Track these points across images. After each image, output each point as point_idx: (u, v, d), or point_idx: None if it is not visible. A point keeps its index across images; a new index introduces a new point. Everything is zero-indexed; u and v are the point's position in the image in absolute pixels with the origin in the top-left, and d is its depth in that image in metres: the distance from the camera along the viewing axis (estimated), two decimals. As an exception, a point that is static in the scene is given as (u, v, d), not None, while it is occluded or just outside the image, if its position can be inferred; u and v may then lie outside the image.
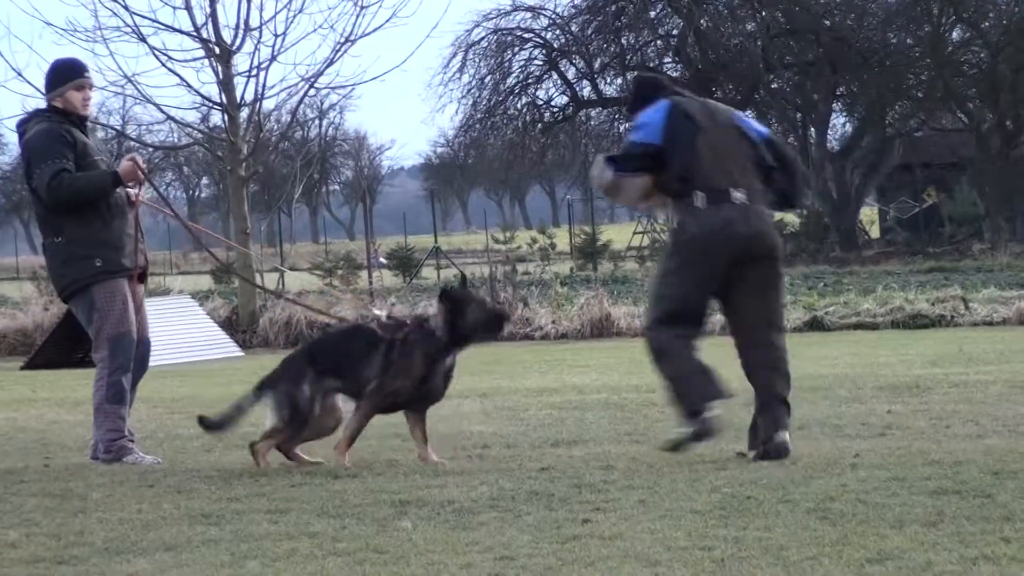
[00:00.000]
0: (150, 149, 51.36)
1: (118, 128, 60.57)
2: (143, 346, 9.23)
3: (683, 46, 47.58)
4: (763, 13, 47.43)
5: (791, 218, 48.73)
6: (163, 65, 24.74)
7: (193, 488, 7.74)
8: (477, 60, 48.63)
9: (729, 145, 8.33)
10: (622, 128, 45.42)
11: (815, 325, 22.24)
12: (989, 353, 15.70)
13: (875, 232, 51.92)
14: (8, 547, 6.36)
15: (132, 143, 49.17)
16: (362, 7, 25.25)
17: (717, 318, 8.60)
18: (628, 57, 48.28)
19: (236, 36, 24.71)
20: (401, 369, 8.34)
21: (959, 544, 5.71)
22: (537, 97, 49.50)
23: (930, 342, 18.36)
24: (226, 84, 24.62)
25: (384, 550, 6.00)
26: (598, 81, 48.96)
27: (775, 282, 8.42)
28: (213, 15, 24.54)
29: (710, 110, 8.50)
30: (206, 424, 8.76)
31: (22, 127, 9.29)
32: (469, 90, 48.63)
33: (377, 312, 9.25)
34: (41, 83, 9.48)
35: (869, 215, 53.13)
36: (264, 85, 24.93)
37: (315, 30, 25.82)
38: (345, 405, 8.55)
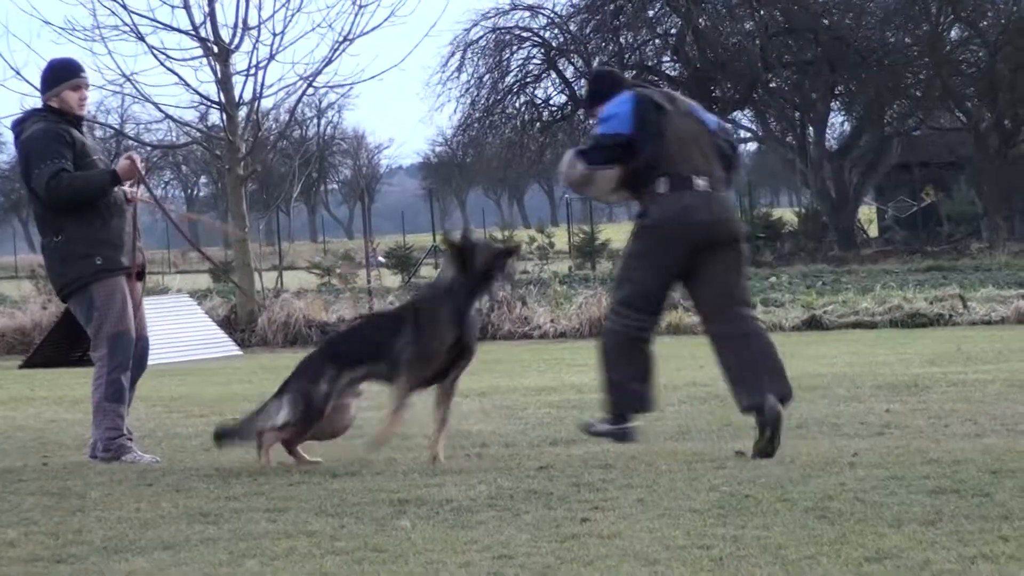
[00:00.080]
0: (148, 148, 51.27)
1: (116, 127, 60.62)
2: (141, 345, 9.23)
3: (681, 45, 47.59)
4: (761, 12, 47.44)
5: (790, 217, 48.79)
6: (161, 64, 24.77)
7: (191, 487, 7.73)
8: (475, 59, 48.69)
9: (693, 133, 8.42)
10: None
11: (813, 324, 22.24)
12: (987, 352, 15.71)
13: (873, 231, 51.95)
14: (6, 546, 6.36)
15: (130, 142, 49.13)
16: (360, 6, 25.28)
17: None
18: (626, 56, 48.28)
19: (234, 35, 24.73)
20: (431, 330, 8.24)
21: (957, 543, 5.71)
22: (535, 96, 49.53)
23: (928, 341, 18.36)
24: (224, 83, 24.62)
25: (383, 549, 6.00)
26: (596, 80, 48.91)
27: (737, 264, 8.47)
28: (211, 14, 24.55)
29: (672, 98, 8.60)
30: (222, 434, 8.67)
31: (17, 127, 9.28)
32: (467, 89, 48.70)
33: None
34: (39, 82, 9.48)
35: (867, 214, 53.16)
36: (262, 84, 24.96)
37: (313, 29, 25.85)
38: (364, 402, 8.52)
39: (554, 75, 49.25)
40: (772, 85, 48.21)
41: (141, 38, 24.59)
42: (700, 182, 8.30)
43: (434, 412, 8.41)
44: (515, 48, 49.27)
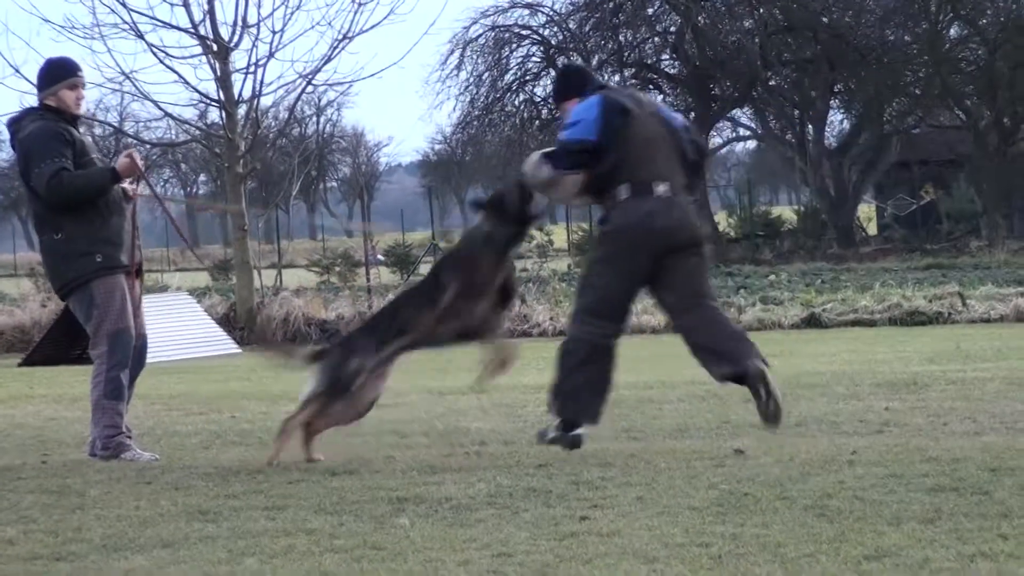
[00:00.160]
0: (148, 146, 51.26)
1: (116, 125, 60.62)
2: (140, 342, 9.23)
3: (681, 43, 47.57)
4: (761, 10, 47.42)
5: (789, 215, 48.78)
6: (161, 62, 24.73)
7: (191, 485, 7.73)
8: (475, 57, 48.65)
9: (657, 137, 8.44)
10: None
11: (812, 322, 22.25)
12: (986, 350, 15.71)
13: (873, 229, 51.92)
14: (6, 544, 6.36)
15: (130, 140, 49.14)
16: (360, 4, 25.22)
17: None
18: (626, 54, 48.28)
19: (234, 33, 24.69)
20: (473, 262, 8.33)
21: (957, 541, 5.72)
22: (535, 94, 49.47)
23: (927, 339, 18.36)
24: (224, 81, 24.60)
25: (382, 547, 6.00)
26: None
27: (700, 269, 8.51)
28: (211, 12, 24.51)
29: (638, 100, 8.62)
30: None
31: (13, 126, 9.28)
32: (467, 87, 48.66)
33: None
34: (36, 80, 9.47)
35: (867, 212, 53.12)
36: (262, 82, 24.91)
37: (313, 27, 25.80)
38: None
39: (553, 73, 49.23)
40: (771, 83, 48.19)
41: (140, 36, 24.57)
42: (661, 188, 8.34)
43: (488, 352, 8.45)
44: (514, 46, 49.26)
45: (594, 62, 48.08)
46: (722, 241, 43.12)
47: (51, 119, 9.10)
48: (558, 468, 7.82)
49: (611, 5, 47.70)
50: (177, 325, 21.20)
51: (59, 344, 20.16)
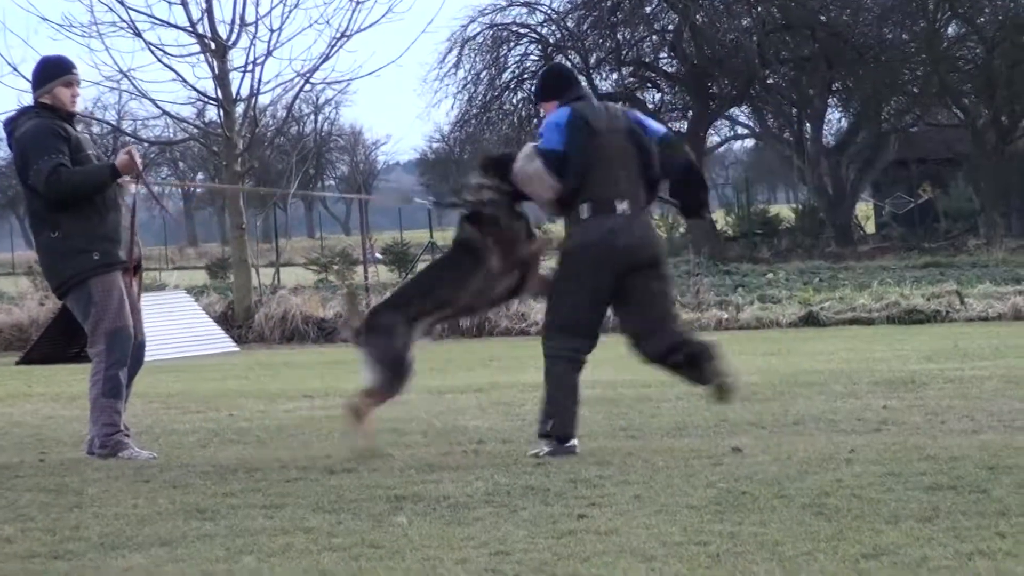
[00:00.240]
0: (146, 144, 51.26)
1: (114, 123, 60.54)
2: (138, 341, 9.23)
3: (679, 41, 47.57)
4: (759, 8, 47.42)
5: (787, 213, 48.80)
6: (159, 60, 24.76)
7: (189, 483, 7.73)
8: (473, 55, 48.64)
9: (621, 154, 8.48)
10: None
11: (810, 320, 22.26)
12: (984, 348, 15.72)
13: (870, 227, 51.94)
14: (3, 542, 6.36)
15: (128, 138, 49.09)
16: (358, 2, 25.27)
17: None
18: (624, 52, 48.28)
19: (232, 31, 24.71)
20: (502, 232, 8.54)
21: (954, 539, 5.71)
22: (533, 92, 49.49)
23: (925, 337, 18.37)
24: (222, 79, 24.60)
25: (380, 545, 6.00)
26: (593, 76, 48.88)
27: (662, 287, 8.57)
28: (209, 10, 24.53)
29: (609, 115, 8.64)
30: None
31: (9, 125, 9.28)
32: (465, 85, 48.66)
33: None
34: (31, 79, 9.46)
35: (864, 210, 53.14)
36: (260, 80, 24.95)
37: (311, 25, 25.88)
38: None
39: (547, 72, 49.19)
40: (769, 81, 48.21)
41: (138, 34, 24.60)
42: (622, 206, 8.40)
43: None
44: (512, 44, 49.26)
45: (592, 60, 48.15)
46: (720, 239, 43.12)
47: (47, 117, 9.10)
48: (556, 466, 7.82)
49: (609, 3, 47.70)
50: (175, 323, 21.20)
51: (57, 343, 20.16)
